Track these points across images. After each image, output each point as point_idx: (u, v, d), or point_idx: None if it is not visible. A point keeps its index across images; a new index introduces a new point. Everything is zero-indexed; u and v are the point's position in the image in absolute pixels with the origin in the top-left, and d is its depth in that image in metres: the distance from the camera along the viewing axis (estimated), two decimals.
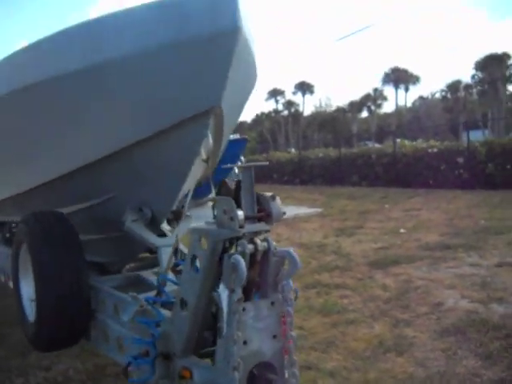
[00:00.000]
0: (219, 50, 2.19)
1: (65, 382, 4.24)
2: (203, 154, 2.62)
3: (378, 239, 9.49)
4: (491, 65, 53.66)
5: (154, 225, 3.17)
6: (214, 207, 2.14)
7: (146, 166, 2.89)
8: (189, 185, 3.07)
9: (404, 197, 16.36)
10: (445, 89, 63.28)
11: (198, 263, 2.36)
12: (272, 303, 2.10)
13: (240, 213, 1.98)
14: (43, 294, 3.17)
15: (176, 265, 2.69)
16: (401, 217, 12.22)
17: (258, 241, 2.04)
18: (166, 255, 3.13)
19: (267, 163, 2.77)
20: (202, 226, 2.29)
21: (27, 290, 3.64)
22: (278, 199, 2.13)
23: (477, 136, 28.88)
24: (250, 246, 2.00)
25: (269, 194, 2.15)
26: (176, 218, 3.26)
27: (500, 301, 5.54)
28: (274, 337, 2.10)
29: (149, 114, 2.58)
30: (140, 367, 2.51)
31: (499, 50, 56.85)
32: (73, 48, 2.65)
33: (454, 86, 61.56)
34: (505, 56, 54.37)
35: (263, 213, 2.09)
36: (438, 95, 67.26)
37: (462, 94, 60.97)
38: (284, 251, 2.08)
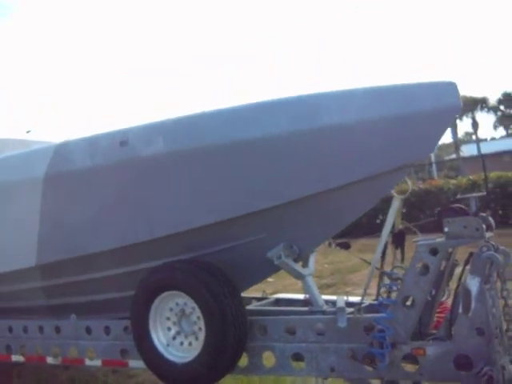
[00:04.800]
0: (444, 119, 3.26)
1: None
2: (397, 196, 3.54)
3: None
4: None
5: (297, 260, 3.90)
6: (445, 225, 3.16)
7: (319, 212, 3.63)
8: None
9: None
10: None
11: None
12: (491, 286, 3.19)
13: (483, 226, 3.06)
14: (217, 337, 3.58)
15: (389, 274, 3.52)
16: None
17: (491, 243, 3.13)
18: (310, 282, 3.90)
19: (484, 193, 3.82)
20: (428, 241, 3.27)
21: (159, 336, 3.89)
22: (489, 216, 3.27)
23: None
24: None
25: (483, 214, 3.27)
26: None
27: None
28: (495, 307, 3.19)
29: (352, 165, 3.40)
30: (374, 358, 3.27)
31: None
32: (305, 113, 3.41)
33: None
34: None
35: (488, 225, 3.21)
36: None
37: None
38: (504, 249, 3.21)
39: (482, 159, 14.65)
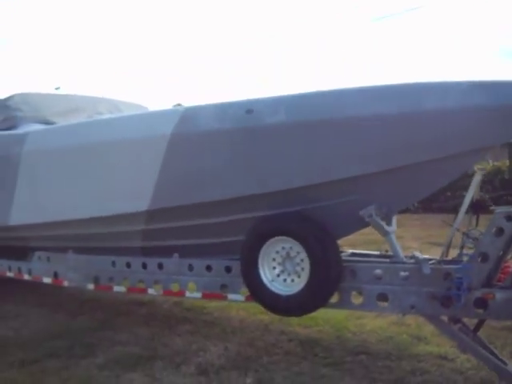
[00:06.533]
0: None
1: None
2: (479, 171, 4.30)
3: None
4: None
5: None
6: None
7: (408, 180, 4.38)
8: None
9: None
10: None
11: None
12: None
13: None
14: (320, 277, 4.40)
15: (467, 234, 4.32)
16: None
17: None
18: (393, 238, 4.70)
19: None
20: (504, 209, 4.04)
21: (265, 273, 4.71)
22: None
23: None
24: None
25: None
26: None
27: None
28: None
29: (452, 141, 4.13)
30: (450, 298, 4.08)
31: None
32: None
33: None
34: None
35: None
36: None
37: None
38: None
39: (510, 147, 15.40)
